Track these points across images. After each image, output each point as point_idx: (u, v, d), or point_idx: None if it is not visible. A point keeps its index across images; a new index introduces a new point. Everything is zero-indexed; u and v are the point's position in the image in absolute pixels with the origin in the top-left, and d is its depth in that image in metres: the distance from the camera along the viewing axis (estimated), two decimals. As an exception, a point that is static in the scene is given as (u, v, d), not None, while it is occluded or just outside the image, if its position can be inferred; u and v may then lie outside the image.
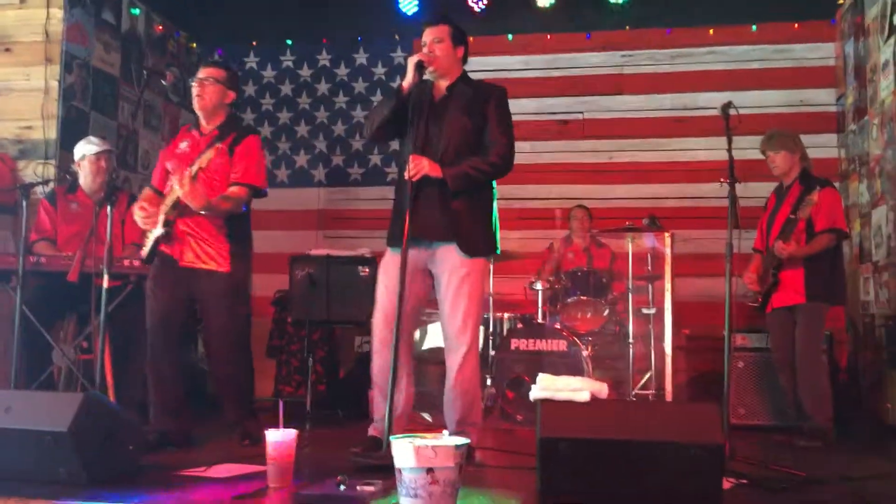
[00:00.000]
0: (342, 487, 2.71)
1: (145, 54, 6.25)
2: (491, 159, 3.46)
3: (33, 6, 5.26)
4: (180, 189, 3.58)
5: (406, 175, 3.34)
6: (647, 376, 5.49)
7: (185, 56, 6.84)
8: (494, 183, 3.62)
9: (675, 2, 6.42)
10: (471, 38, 3.67)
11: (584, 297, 5.33)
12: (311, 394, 5.48)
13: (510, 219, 6.51)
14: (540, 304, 5.41)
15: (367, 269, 5.27)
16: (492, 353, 5.28)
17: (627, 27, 6.62)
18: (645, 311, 5.53)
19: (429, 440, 2.41)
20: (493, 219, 3.59)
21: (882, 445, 4.44)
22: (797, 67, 6.42)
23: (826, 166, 5.55)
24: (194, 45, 6.97)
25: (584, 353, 5.03)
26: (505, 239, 6.24)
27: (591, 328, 5.36)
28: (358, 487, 2.71)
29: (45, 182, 4.57)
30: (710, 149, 6.17)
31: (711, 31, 6.54)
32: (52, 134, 5.16)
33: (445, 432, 2.58)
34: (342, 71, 7.13)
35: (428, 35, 3.55)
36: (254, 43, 7.23)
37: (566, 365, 4.94)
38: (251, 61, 7.26)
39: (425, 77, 3.49)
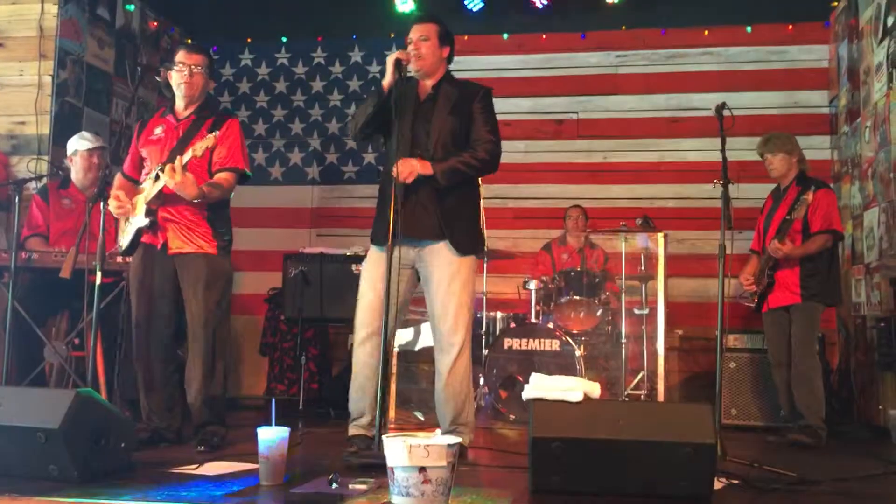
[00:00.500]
0: (334, 486, 2.70)
1: (139, 50, 6.23)
2: (479, 154, 3.47)
3: (27, 1, 5.24)
4: (170, 179, 3.45)
5: (398, 178, 3.32)
6: (639, 376, 5.50)
7: (179, 52, 6.81)
8: (480, 181, 3.63)
9: (670, 2, 6.43)
10: (466, 37, 3.69)
11: (578, 297, 5.33)
12: (304, 392, 5.48)
13: (505, 218, 6.54)
14: (533, 304, 5.41)
15: (361, 268, 5.27)
16: (485, 352, 5.28)
17: (623, 27, 6.63)
18: (638, 311, 5.54)
19: (421, 439, 2.41)
20: (481, 217, 3.61)
21: (873, 446, 4.45)
22: (791, 69, 6.44)
23: (819, 168, 5.57)
24: (189, 41, 6.95)
25: (577, 352, 5.04)
26: (499, 238, 6.34)
27: (584, 328, 5.36)
28: (350, 486, 2.71)
29: (38, 178, 4.55)
30: (703, 149, 6.18)
31: (706, 32, 6.56)
32: (46, 129, 5.15)
33: (438, 431, 2.58)
34: (337, 68, 7.12)
35: (414, 32, 3.56)
36: (248, 40, 7.21)
37: (559, 365, 4.95)
38: (246, 58, 7.25)
39: (410, 75, 3.50)
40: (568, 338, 5.12)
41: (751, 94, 6.36)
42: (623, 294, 5.43)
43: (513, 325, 5.43)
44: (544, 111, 6.75)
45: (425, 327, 5.31)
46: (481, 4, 6.36)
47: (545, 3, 6.31)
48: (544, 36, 6.76)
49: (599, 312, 5.37)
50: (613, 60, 6.71)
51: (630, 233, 5.46)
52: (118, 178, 3.90)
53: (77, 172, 4.48)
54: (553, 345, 5.09)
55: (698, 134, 6.31)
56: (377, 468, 2.74)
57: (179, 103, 3.84)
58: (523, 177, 6.54)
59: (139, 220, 3.66)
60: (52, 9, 5.23)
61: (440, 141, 3.47)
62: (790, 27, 6.44)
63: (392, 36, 6.79)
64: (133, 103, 4.85)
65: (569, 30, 6.70)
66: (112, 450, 2.92)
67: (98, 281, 3.43)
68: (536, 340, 5.12)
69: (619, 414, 2.80)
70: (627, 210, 6.14)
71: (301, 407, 5.36)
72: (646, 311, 5.51)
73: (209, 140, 3.45)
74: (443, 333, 3.45)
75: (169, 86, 3.85)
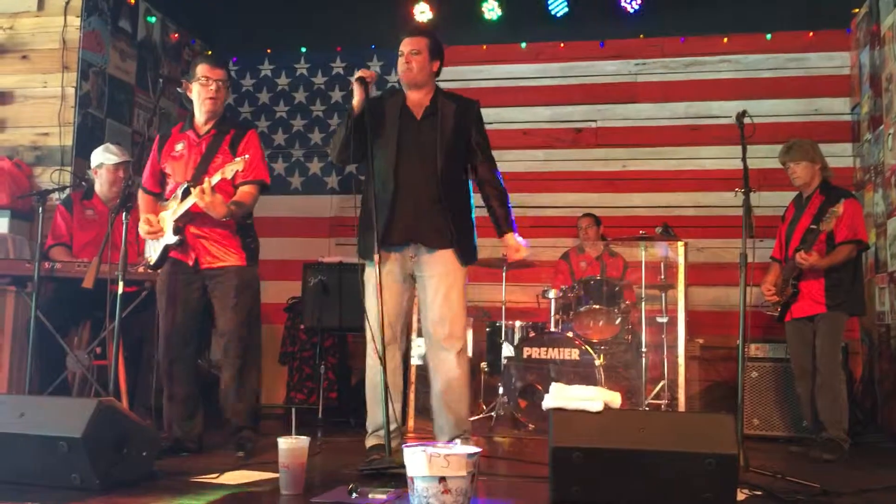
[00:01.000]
0: (354, 495, 2.70)
1: (161, 62, 6.30)
2: (502, 184, 3.66)
3: (51, 14, 5.32)
4: (200, 200, 3.49)
5: (508, 258, 3.69)
6: (660, 386, 5.46)
7: (200, 64, 6.87)
8: (473, 192, 3.70)
9: (689, 10, 6.40)
10: (484, 47, 3.71)
11: (597, 306, 5.31)
12: (323, 401, 5.49)
13: (523, 227, 6.47)
14: (552, 313, 5.40)
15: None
16: (504, 361, 5.27)
17: (641, 35, 6.62)
18: (658, 320, 5.50)
19: (441, 449, 2.40)
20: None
21: (898, 457, 4.40)
22: (812, 76, 6.39)
23: (841, 176, 5.51)
24: (209, 52, 7.02)
25: (597, 362, 5.01)
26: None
27: (604, 337, 5.34)
28: (370, 495, 2.71)
29: (62, 189, 4.60)
30: (723, 157, 6.14)
31: (725, 40, 6.53)
32: (68, 141, 5.21)
33: (457, 441, 2.58)
34: (356, 79, 7.14)
35: (406, 46, 3.60)
36: (268, 50, 7.27)
37: (578, 374, 4.93)
38: (266, 69, 7.31)
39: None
40: (587, 347, 5.09)
41: (770, 102, 6.31)
42: (643, 302, 5.40)
43: (532, 334, 5.41)
44: (563, 120, 6.74)
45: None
46: (566, 9, 6.30)
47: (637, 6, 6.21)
48: (562, 44, 6.75)
49: (619, 321, 5.35)
50: (632, 68, 6.70)
51: (650, 241, 5.43)
52: (142, 196, 3.92)
53: (102, 185, 4.53)
54: (572, 354, 5.07)
55: (717, 142, 6.28)
56: (396, 478, 2.74)
57: (200, 118, 3.86)
58: (542, 185, 6.53)
59: (168, 237, 3.73)
60: (75, 21, 5.30)
61: (449, 156, 3.53)
62: (811, 34, 6.40)
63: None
64: (155, 114, 4.89)
65: (587, 38, 6.69)
66: (134, 458, 2.94)
67: (120, 290, 3.47)
68: (556, 349, 5.10)
69: (640, 424, 2.79)
70: (647, 218, 6.12)
71: (320, 416, 5.37)
72: (666, 320, 5.47)
73: (239, 164, 3.51)
74: (441, 339, 3.48)
75: (190, 98, 3.88)
